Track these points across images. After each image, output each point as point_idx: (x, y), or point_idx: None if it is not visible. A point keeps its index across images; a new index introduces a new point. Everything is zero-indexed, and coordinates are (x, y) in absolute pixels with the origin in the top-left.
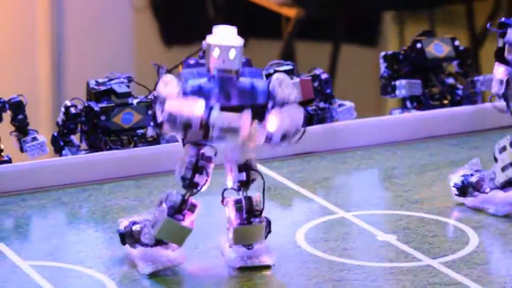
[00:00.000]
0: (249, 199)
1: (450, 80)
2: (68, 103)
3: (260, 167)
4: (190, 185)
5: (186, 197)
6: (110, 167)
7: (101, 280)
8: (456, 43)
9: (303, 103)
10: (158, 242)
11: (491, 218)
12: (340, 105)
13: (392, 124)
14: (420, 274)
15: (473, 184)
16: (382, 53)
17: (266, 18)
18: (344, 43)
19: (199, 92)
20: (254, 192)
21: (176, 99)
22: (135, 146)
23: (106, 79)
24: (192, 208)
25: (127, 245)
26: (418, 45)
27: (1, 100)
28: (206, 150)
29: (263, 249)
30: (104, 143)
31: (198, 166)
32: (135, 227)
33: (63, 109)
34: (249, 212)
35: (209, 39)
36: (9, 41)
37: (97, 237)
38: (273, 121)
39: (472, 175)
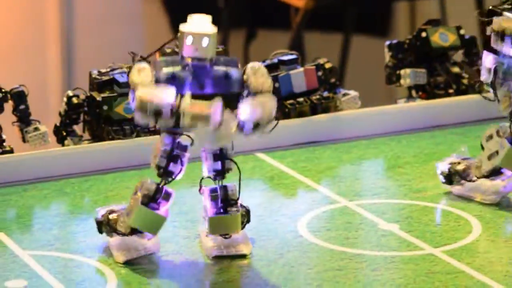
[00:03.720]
0: (224, 188)
1: (456, 69)
2: (70, 93)
3: (263, 156)
4: (165, 174)
5: (160, 186)
6: (113, 157)
7: (101, 269)
8: (462, 31)
9: (308, 93)
10: (134, 231)
11: (494, 207)
12: (344, 94)
13: (396, 113)
14: (421, 263)
15: (459, 172)
16: (387, 42)
17: (275, 8)
18: (354, 33)
19: (172, 80)
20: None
21: (147, 86)
22: (137, 136)
23: (108, 69)
24: (167, 196)
25: (104, 234)
26: (423, 34)
27: (3, 90)
28: (182, 139)
29: (240, 238)
30: (107, 133)
31: (173, 155)
32: (112, 216)
33: (65, 99)
34: (224, 201)
35: (183, 27)
36: (20, 33)
37: None
38: (245, 110)
39: (459, 163)
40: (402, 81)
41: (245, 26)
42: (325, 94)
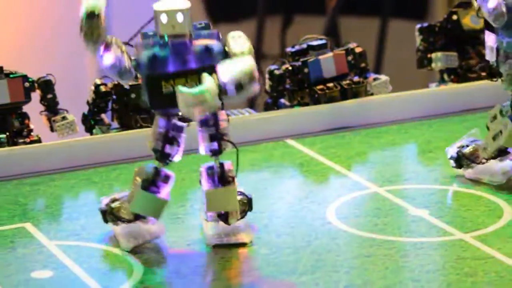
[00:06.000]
0: (221, 165)
1: None
2: (98, 81)
3: (293, 142)
4: (162, 156)
5: (159, 169)
6: (141, 145)
7: (127, 259)
8: None
9: (337, 78)
10: (137, 217)
11: None
12: (375, 79)
13: (427, 97)
14: (451, 249)
15: (466, 155)
16: (418, 26)
17: None
18: (391, 17)
19: (154, 60)
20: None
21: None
22: None
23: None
24: (166, 179)
25: (110, 223)
26: (454, 17)
27: (30, 79)
28: (177, 120)
29: (241, 226)
30: (135, 121)
31: (168, 137)
32: (115, 204)
33: (93, 88)
34: (221, 178)
35: (156, 6)
36: (53, 23)
37: None
38: (224, 70)
39: (467, 146)
40: (433, 65)
41: (281, 12)
42: (355, 79)
